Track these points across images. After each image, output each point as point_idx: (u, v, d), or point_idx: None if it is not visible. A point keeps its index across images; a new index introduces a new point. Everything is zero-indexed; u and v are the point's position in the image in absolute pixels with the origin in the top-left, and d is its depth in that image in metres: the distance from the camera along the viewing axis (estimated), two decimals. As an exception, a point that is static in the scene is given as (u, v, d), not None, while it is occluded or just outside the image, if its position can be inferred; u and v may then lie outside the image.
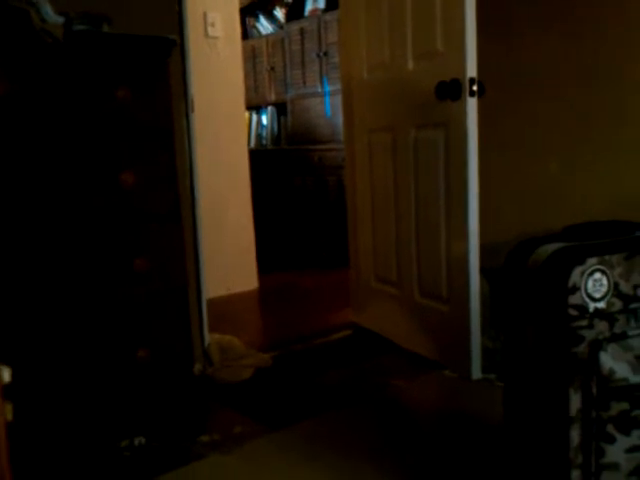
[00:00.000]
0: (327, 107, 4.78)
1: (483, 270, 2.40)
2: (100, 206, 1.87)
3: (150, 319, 1.99)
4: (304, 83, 5.03)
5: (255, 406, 2.32)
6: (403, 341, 2.80)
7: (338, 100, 4.06)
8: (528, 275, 1.51)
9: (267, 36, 5.52)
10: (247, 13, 5.56)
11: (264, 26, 5.65)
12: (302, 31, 4.99)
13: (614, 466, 1.42)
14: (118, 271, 1.91)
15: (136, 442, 1.99)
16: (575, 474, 1.42)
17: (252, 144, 5.54)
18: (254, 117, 5.62)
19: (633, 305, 1.44)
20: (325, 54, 4.78)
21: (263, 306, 3.87)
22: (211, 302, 2.86)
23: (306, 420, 2.18)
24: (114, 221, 1.90)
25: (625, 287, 1.43)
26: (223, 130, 3.84)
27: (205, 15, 3.70)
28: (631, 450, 1.43)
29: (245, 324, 3.41)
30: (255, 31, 5.73)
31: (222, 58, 3.84)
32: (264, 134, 5.59)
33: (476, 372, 2.44)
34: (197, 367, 2.54)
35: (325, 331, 3.14)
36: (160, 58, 1.96)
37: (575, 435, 1.41)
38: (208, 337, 2.69)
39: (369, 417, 2.20)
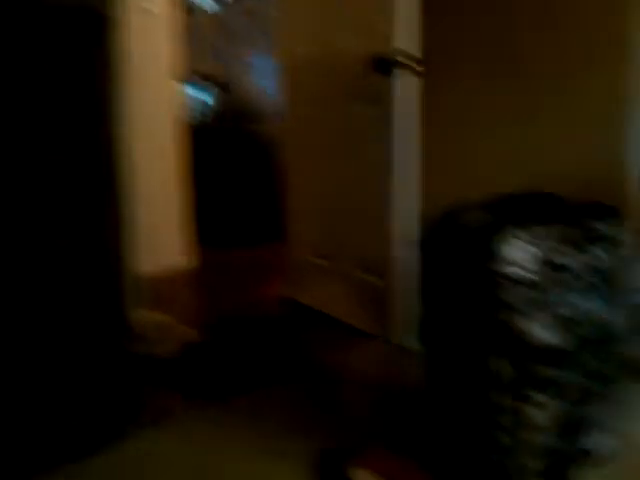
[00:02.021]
0: (267, 83, 4.75)
1: (416, 242, 2.42)
2: (29, 179, 1.81)
3: (80, 294, 1.94)
4: (245, 60, 4.99)
5: (189, 382, 2.30)
6: (338, 314, 2.81)
7: (278, 76, 4.02)
8: (457, 244, 1.53)
9: (207, 10, 5.43)
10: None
11: (206, 1, 5.55)
12: (245, 8, 4.94)
13: (538, 427, 1.46)
14: (45, 243, 1.85)
15: (70, 421, 1.93)
16: (501, 436, 1.45)
17: (192, 120, 5.46)
18: (193, 92, 5.54)
19: (557, 272, 1.47)
20: (267, 31, 4.73)
21: (197, 282, 3.82)
22: (144, 278, 2.80)
23: (240, 395, 2.17)
24: (43, 199, 1.84)
25: (549, 255, 1.46)
26: (160, 105, 3.76)
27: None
28: (555, 412, 1.47)
29: (179, 300, 3.37)
30: (195, 5, 5.63)
31: (159, 31, 3.75)
32: (203, 109, 5.51)
33: (410, 341, 2.45)
34: (128, 343, 2.49)
35: (260, 306, 3.13)
36: (92, 31, 1.90)
37: (501, 398, 1.44)
38: (141, 313, 2.64)
39: (302, 390, 2.20)
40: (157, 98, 3.78)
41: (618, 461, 1.58)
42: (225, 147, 4.96)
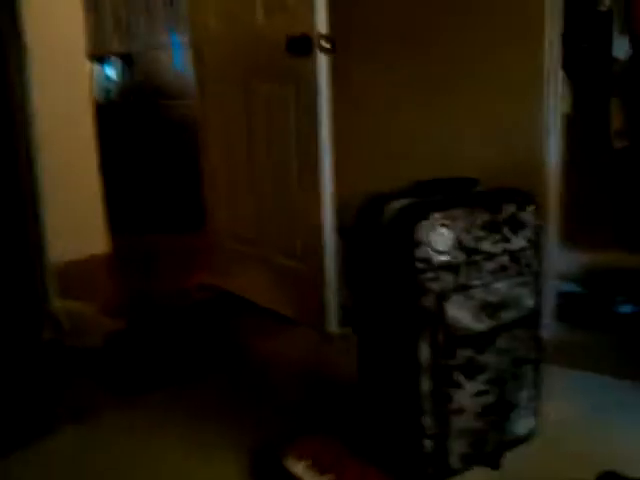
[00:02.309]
0: (176, 60, 4.62)
1: (339, 229, 2.44)
2: None
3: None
4: (151, 34, 4.82)
5: (109, 374, 2.25)
6: (263, 301, 2.79)
7: (188, 53, 3.92)
8: (377, 231, 1.55)
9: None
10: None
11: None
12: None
13: (462, 410, 1.51)
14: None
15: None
16: (426, 420, 1.49)
17: (98, 97, 5.25)
18: (98, 69, 5.32)
19: (475, 257, 1.51)
20: (172, 3, 4.59)
21: (115, 270, 3.72)
22: (60, 266, 2.71)
23: (163, 387, 2.14)
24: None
25: (467, 240, 1.50)
26: (64, 81, 3.59)
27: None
28: (476, 394, 1.52)
29: (97, 289, 3.27)
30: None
31: (61, 6, 3.58)
32: (110, 87, 5.32)
33: (333, 327, 2.49)
34: (46, 334, 2.41)
35: (182, 294, 3.07)
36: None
37: (425, 383, 1.48)
38: (57, 302, 2.55)
39: (227, 379, 2.20)
40: (66, 76, 3.61)
41: (537, 439, 1.67)
42: (135, 126, 4.80)
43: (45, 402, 1.99)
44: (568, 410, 1.86)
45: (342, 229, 2.44)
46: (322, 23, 2.28)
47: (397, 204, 1.53)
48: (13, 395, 1.94)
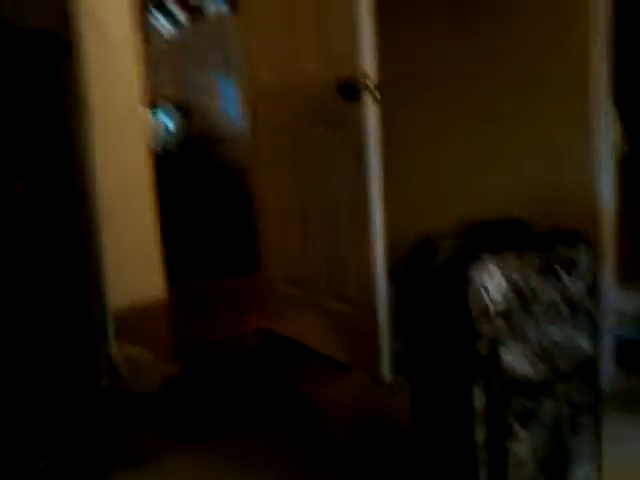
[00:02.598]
0: (231, 108, 4.74)
1: (390, 271, 2.43)
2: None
3: (52, 332, 1.90)
4: (207, 84, 4.97)
5: (166, 420, 2.26)
6: (315, 345, 2.79)
7: (242, 101, 4.02)
8: (429, 274, 1.53)
9: (169, 36, 5.42)
10: (148, 11, 5.43)
11: (164, 26, 5.53)
12: (204, 32, 4.93)
13: (519, 461, 1.46)
14: (16, 286, 1.82)
15: (43, 464, 1.89)
16: (482, 472, 1.45)
17: (155, 146, 5.41)
18: (157, 119, 5.50)
19: (529, 301, 1.48)
20: (229, 56, 4.73)
21: (171, 315, 3.77)
22: (117, 312, 2.76)
23: (219, 433, 2.14)
24: (8, 229, 1.81)
25: (521, 283, 1.47)
26: (122, 130, 3.70)
27: (102, 12, 3.56)
28: (533, 445, 1.48)
29: (152, 334, 3.31)
30: (156, 31, 5.60)
31: (120, 56, 3.72)
32: (167, 136, 5.48)
33: (386, 374, 2.46)
34: (104, 381, 2.45)
35: (236, 339, 3.09)
36: (53, 56, 1.88)
37: (480, 432, 1.44)
38: (114, 349, 2.60)
39: (282, 427, 2.18)
40: (125, 125, 3.74)
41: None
42: (190, 174, 4.92)
43: (102, 448, 2.01)
44: (630, 460, 1.78)
45: (394, 271, 2.43)
46: (370, 68, 2.31)
47: (449, 246, 1.52)
48: (71, 441, 1.97)
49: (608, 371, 2.21)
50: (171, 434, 2.15)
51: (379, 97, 2.34)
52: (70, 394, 1.97)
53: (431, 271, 1.53)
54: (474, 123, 2.46)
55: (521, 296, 1.47)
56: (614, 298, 2.23)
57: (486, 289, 1.43)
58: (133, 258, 3.71)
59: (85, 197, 2.44)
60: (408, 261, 1.62)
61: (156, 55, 5.31)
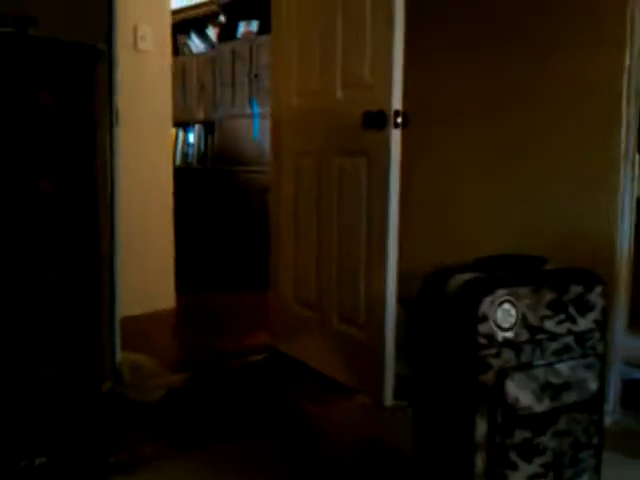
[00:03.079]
0: (255, 129, 4.79)
1: (400, 299, 2.45)
2: (16, 215, 1.80)
3: (59, 334, 1.92)
4: (233, 104, 5.04)
5: (165, 427, 2.27)
6: (320, 366, 2.80)
7: (267, 123, 4.07)
8: (440, 304, 1.54)
9: (198, 55, 5.51)
10: (179, 30, 5.53)
11: (195, 44, 5.63)
12: (234, 52, 5.01)
13: (515, 492, 1.46)
14: (28, 284, 1.84)
15: (37, 462, 1.90)
16: (479, 499, 1.45)
17: (178, 162, 5.48)
18: (181, 134, 5.57)
19: (539, 336, 1.50)
20: (256, 76, 4.80)
21: (179, 326, 3.80)
22: (126, 320, 2.78)
23: (216, 444, 2.15)
24: (27, 228, 1.84)
25: (532, 318, 1.49)
26: (148, 145, 3.78)
27: (136, 27, 3.65)
28: (532, 477, 1.48)
29: (159, 343, 3.34)
30: (186, 48, 5.71)
31: (151, 73, 3.79)
32: (190, 152, 5.54)
33: (389, 398, 2.46)
34: (106, 385, 2.46)
35: (241, 353, 3.10)
36: (86, 66, 1.93)
37: (480, 461, 1.44)
38: (120, 355, 2.61)
39: (280, 443, 2.18)
40: (151, 142, 3.80)
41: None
42: (209, 190, 4.97)
43: (98, 451, 2.01)
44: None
45: (403, 300, 2.44)
46: (398, 99, 2.35)
47: (462, 278, 1.53)
48: (67, 442, 1.97)
49: (614, 411, 2.22)
50: (168, 441, 2.15)
51: (404, 128, 2.38)
52: (71, 396, 1.98)
53: (443, 300, 1.54)
54: (497, 158, 2.49)
55: (531, 330, 1.49)
56: (624, 341, 2.23)
57: (496, 321, 1.44)
58: (148, 268, 3.75)
59: (107, 205, 2.48)
60: (422, 289, 1.63)
61: (189, 73, 5.41)
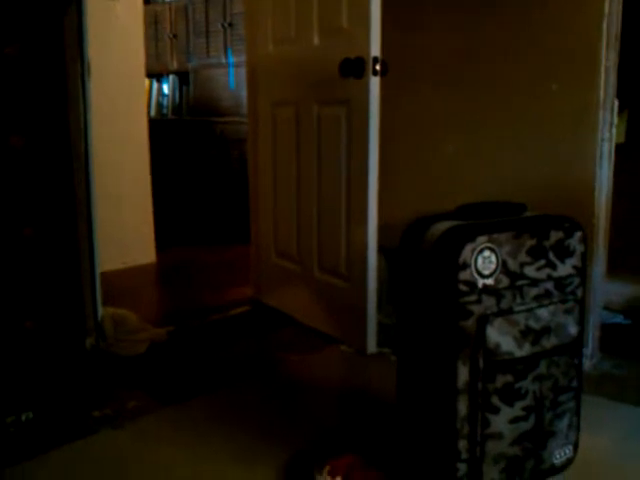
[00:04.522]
0: (231, 79, 4.71)
1: (381, 248, 2.45)
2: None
3: (37, 288, 1.91)
4: (208, 53, 4.93)
5: (149, 381, 2.28)
6: (302, 317, 2.82)
7: (243, 72, 4.00)
8: (421, 252, 1.55)
9: (170, 2, 5.36)
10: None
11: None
12: (207, -1, 4.89)
13: (498, 435, 1.49)
14: (4, 239, 1.82)
15: (23, 417, 1.91)
16: (462, 444, 1.48)
17: (152, 113, 5.39)
18: (155, 85, 5.46)
19: (519, 282, 1.50)
20: (230, 25, 4.70)
21: (160, 280, 3.80)
22: (106, 275, 2.77)
23: (200, 395, 2.17)
24: (3, 186, 1.80)
25: (512, 265, 1.49)
26: (121, 97, 3.70)
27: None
28: (514, 420, 1.50)
29: (141, 298, 3.34)
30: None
31: (121, 22, 3.69)
32: (165, 103, 5.45)
33: (371, 346, 2.49)
34: (89, 341, 2.46)
35: (223, 306, 3.12)
36: (54, 15, 1.87)
37: (462, 406, 1.47)
38: (102, 310, 2.61)
39: (265, 393, 2.21)
40: (123, 93, 3.72)
41: (572, 469, 1.63)
42: (186, 141, 4.91)
43: (84, 406, 2.02)
44: (606, 442, 1.82)
45: (385, 249, 2.45)
46: (376, 46, 2.31)
47: (442, 226, 1.53)
48: (53, 397, 1.98)
49: (593, 355, 2.26)
50: (152, 395, 2.16)
51: (383, 76, 2.35)
52: (54, 351, 1.98)
53: (424, 248, 1.54)
54: (476, 111, 2.47)
55: (511, 276, 1.49)
56: (602, 286, 2.26)
57: (477, 268, 1.45)
58: (126, 223, 3.72)
59: (81, 158, 2.43)
60: (402, 238, 1.63)
61: (162, 23, 5.28)
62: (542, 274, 1.53)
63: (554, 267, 1.54)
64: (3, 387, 1.87)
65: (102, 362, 2.39)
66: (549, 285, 1.54)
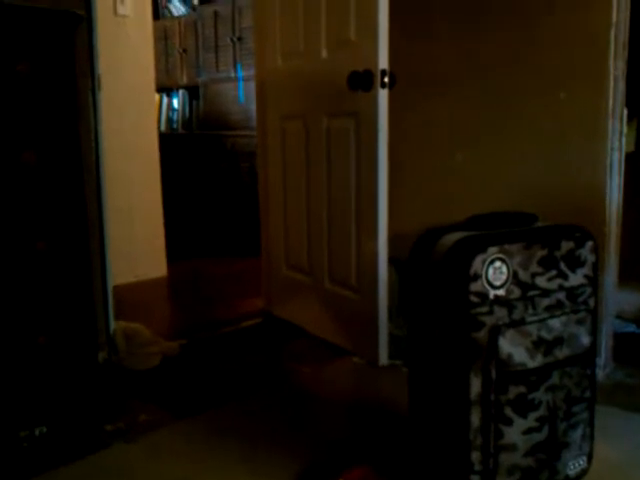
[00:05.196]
0: (240, 93, 4.74)
1: (391, 260, 2.45)
2: (2, 189, 1.78)
3: (50, 302, 1.92)
4: (217, 67, 4.96)
5: (161, 394, 2.28)
6: (314, 328, 2.82)
7: (252, 86, 4.02)
8: (432, 263, 1.54)
9: (179, 17, 5.41)
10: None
11: (176, 7, 5.52)
12: (216, 14, 4.92)
13: (512, 447, 1.48)
14: (18, 253, 1.83)
15: (37, 432, 1.91)
16: (475, 455, 1.47)
17: (162, 128, 5.43)
18: (165, 100, 5.50)
19: (531, 293, 1.50)
20: (239, 39, 4.73)
21: (172, 294, 3.81)
22: (118, 289, 2.78)
23: (213, 409, 2.16)
24: (14, 201, 1.82)
25: (523, 275, 1.49)
26: (132, 112, 3.73)
27: (116, -8, 3.57)
28: (527, 432, 1.49)
29: (153, 311, 3.35)
30: (167, 11, 5.60)
31: (132, 38, 3.73)
32: (175, 118, 5.48)
33: (383, 358, 2.49)
34: (102, 355, 2.47)
35: (235, 319, 3.12)
36: (65, 33, 1.89)
37: (475, 418, 1.46)
38: (114, 324, 2.62)
39: (276, 405, 2.20)
40: (134, 107, 3.75)
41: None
42: (196, 155, 4.93)
43: (95, 420, 2.03)
44: (620, 452, 1.81)
45: (395, 260, 2.45)
46: (384, 59, 2.32)
47: (453, 237, 1.53)
48: (66, 412, 1.98)
49: (605, 365, 2.25)
50: (165, 408, 2.16)
51: (391, 88, 2.36)
52: (67, 366, 1.98)
53: (435, 259, 1.54)
54: (484, 121, 2.47)
55: (523, 287, 1.49)
56: (614, 295, 2.25)
57: (488, 278, 1.45)
58: (138, 236, 3.74)
59: (93, 173, 2.45)
60: (412, 249, 1.63)
61: (171, 38, 5.32)
62: (553, 284, 1.53)
63: (565, 277, 1.54)
64: (17, 402, 1.88)
65: (114, 376, 2.40)
66: (561, 295, 1.54)
